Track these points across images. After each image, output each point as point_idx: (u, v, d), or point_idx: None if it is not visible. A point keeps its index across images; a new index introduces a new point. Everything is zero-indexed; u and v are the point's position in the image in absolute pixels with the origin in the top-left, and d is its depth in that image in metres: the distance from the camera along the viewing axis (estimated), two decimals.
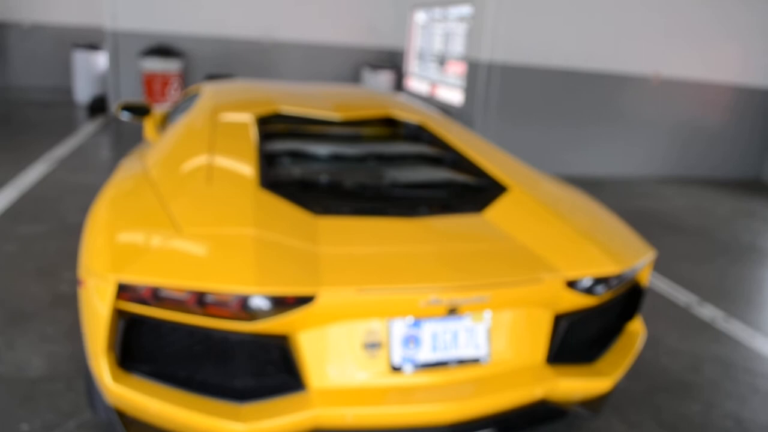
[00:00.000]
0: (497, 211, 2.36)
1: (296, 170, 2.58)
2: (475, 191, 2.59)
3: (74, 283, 3.72)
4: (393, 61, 10.73)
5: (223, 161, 2.41)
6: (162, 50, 9.38)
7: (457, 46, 10.12)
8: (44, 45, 12.14)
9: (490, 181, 2.63)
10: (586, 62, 7.67)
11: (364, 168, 2.75)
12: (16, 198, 5.31)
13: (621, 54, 7.79)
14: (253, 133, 2.68)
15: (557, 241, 2.17)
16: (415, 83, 10.08)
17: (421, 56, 10.35)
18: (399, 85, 10.55)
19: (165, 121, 4.03)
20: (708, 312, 4.16)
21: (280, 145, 2.80)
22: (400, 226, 2.13)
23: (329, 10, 10.29)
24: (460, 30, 8.41)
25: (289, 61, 10.30)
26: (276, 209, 2.09)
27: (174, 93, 9.42)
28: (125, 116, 4.29)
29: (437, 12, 9.38)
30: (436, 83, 9.26)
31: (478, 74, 7.49)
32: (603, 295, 2.13)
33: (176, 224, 1.92)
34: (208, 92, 3.33)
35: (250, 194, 2.14)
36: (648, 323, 3.91)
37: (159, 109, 4.58)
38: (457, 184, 2.62)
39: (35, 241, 4.40)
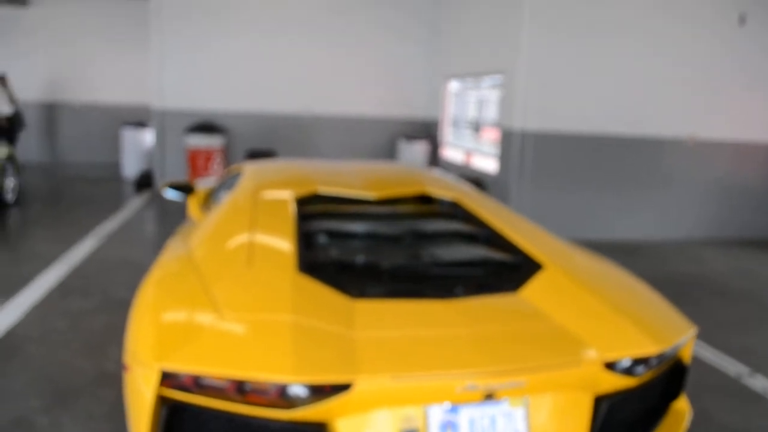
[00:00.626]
0: (533, 290, 2.36)
1: (334, 251, 2.64)
2: (510, 269, 2.60)
3: (119, 360, 3.81)
4: (428, 131, 10.95)
5: (264, 243, 2.50)
6: (205, 127, 9.78)
7: (491, 113, 10.28)
8: (94, 123, 12.80)
9: (525, 258, 2.64)
10: (619, 127, 7.72)
11: (400, 247, 2.80)
12: (66, 273, 5.51)
13: (654, 117, 7.82)
14: (292, 214, 2.77)
15: (594, 320, 2.16)
16: (450, 152, 10.24)
17: (456, 123, 10.54)
18: (434, 154, 10.72)
19: (207, 199, 4.18)
20: (760, 383, 4.02)
21: (317, 226, 2.87)
22: (436, 309, 2.15)
23: (365, 84, 10.64)
24: (493, 96, 8.59)
25: (328, 135, 10.61)
26: (313, 293, 2.15)
27: (216, 167, 9.74)
28: (170, 195, 4.47)
29: (470, 80, 9.61)
30: (471, 152, 9.39)
31: (511, 142, 7.60)
32: (644, 375, 2.09)
33: (218, 310, 2.00)
34: (249, 173, 3.47)
35: (288, 278, 2.21)
36: (695, 397, 3.79)
37: (201, 187, 4.76)
38: (492, 262, 2.63)
39: (83, 317, 4.53)
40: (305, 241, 2.66)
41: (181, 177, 9.90)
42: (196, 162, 9.67)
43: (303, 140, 10.49)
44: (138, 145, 11.09)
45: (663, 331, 2.19)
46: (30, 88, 12.36)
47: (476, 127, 10.50)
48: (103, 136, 12.73)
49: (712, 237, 8.28)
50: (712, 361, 4.33)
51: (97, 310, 4.69)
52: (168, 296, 2.21)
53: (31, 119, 12.23)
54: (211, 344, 1.83)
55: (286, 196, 3.00)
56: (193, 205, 4.38)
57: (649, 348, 2.05)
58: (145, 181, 10.24)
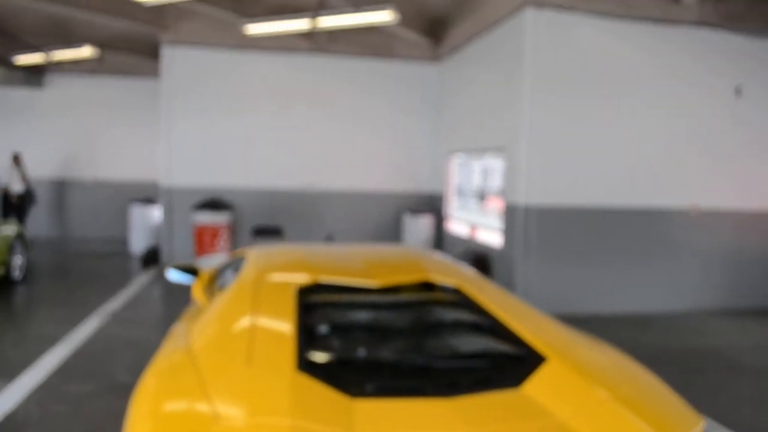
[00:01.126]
0: (536, 385, 2.33)
1: (334, 344, 2.63)
2: (513, 362, 2.57)
3: None
4: (432, 205, 11.05)
5: (264, 337, 2.50)
6: (212, 204, 9.91)
7: (496, 182, 10.37)
8: (103, 199, 13.04)
9: (528, 349, 2.62)
10: (623, 199, 7.77)
11: (402, 338, 2.79)
12: (68, 355, 5.47)
13: (657, 188, 7.89)
14: (293, 306, 2.78)
15: (600, 417, 2.13)
16: (455, 226, 10.29)
17: (461, 193, 10.64)
18: (439, 228, 10.78)
19: (212, 283, 4.19)
20: None
21: (319, 317, 2.87)
22: (437, 408, 2.13)
23: (370, 159, 10.83)
24: (497, 165, 8.70)
25: (333, 210, 10.72)
26: (312, 393, 2.13)
27: (223, 244, 9.80)
28: (175, 278, 4.48)
29: (473, 153, 9.76)
30: (476, 226, 9.44)
31: (515, 216, 7.64)
32: None
33: (215, 412, 1.98)
34: (252, 260, 3.50)
35: (287, 377, 2.20)
36: None
37: (206, 269, 4.77)
38: (495, 354, 2.61)
39: (84, 402, 4.47)
40: (306, 333, 2.64)
41: (188, 252, 9.96)
42: (203, 238, 9.74)
43: (309, 215, 10.59)
44: (145, 221, 11.22)
45: (671, 426, 2.16)
46: (43, 165, 12.66)
47: (481, 195, 10.60)
48: (112, 212, 12.94)
49: (721, 307, 8.18)
50: None
51: (98, 395, 4.63)
52: (165, 395, 2.20)
53: (42, 196, 12.46)
54: None
55: (288, 286, 3.01)
56: (197, 289, 4.40)
57: None
58: (152, 257, 10.30)
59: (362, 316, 2.96)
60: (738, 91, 8.05)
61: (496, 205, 8.79)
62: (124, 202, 12.21)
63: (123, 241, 11.87)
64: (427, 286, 3.41)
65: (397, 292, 3.27)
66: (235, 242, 10.18)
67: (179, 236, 10.19)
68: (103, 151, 13.02)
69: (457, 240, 9.89)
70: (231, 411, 2.00)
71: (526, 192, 7.53)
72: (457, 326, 2.94)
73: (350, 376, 2.31)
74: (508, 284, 7.59)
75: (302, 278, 3.12)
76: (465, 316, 3.00)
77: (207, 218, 9.74)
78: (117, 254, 11.24)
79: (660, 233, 7.94)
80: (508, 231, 7.90)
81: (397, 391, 2.24)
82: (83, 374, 5.03)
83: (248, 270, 3.30)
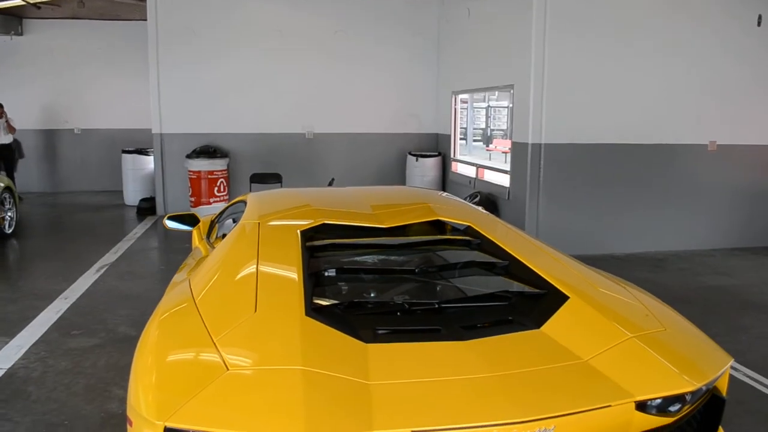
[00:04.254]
0: (557, 325, 2.17)
1: (344, 288, 2.47)
2: (532, 302, 2.39)
3: (122, 402, 3.55)
4: (438, 146, 10.73)
5: (270, 283, 2.33)
6: (207, 150, 9.55)
7: (501, 123, 10.07)
8: (94, 150, 12.60)
9: (548, 288, 2.42)
10: (637, 136, 7.47)
11: (413, 281, 2.63)
12: (67, 309, 5.25)
13: (673, 124, 7.57)
14: (299, 249, 2.57)
15: (624, 357, 2.01)
16: (461, 168, 9.99)
17: (466, 136, 10.32)
18: (444, 170, 10.48)
19: (212, 231, 3.98)
20: None
21: (325, 260, 2.67)
22: (454, 352, 1.99)
23: (370, 102, 10.43)
24: (503, 106, 8.36)
25: (334, 152, 10.37)
26: (324, 339, 2.01)
27: (220, 192, 9.50)
28: (173, 227, 4.25)
29: (479, 93, 9.41)
30: (483, 167, 9.14)
31: (524, 157, 7.35)
32: (678, 413, 1.93)
33: (223, 361, 1.86)
34: (253, 204, 3.28)
35: (296, 323, 2.06)
36: (732, 420, 3.50)
37: (205, 217, 4.55)
38: (512, 295, 2.43)
39: (85, 356, 4.28)
40: (313, 278, 2.45)
41: (184, 202, 9.66)
42: (199, 187, 9.44)
43: (310, 160, 10.26)
44: (140, 171, 10.88)
45: (698, 365, 2.05)
46: (27, 116, 12.16)
47: (487, 139, 10.29)
48: (104, 162, 12.49)
49: (739, 246, 7.96)
50: (749, 382, 4.05)
51: (99, 348, 4.43)
52: (171, 345, 2.08)
53: (29, 148, 12.03)
54: (217, 400, 1.70)
55: (292, 229, 2.78)
56: (198, 237, 4.21)
57: (684, 385, 1.91)
58: (147, 208, 10.03)
59: (371, 258, 2.80)
60: (759, 20, 7.66)
61: (502, 146, 8.52)
62: (117, 151, 11.78)
63: (117, 193, 11.53)
64: (437, 227, 3.16)
65: (406, 233, 3.05)
66: (232, 190, 9.88)
67: (174, 185, 9.87)
68: (91, 99, 12.49)
69: (463, 182, 9.60)
70: (239, 359, 1.90)
71: (535, 129, 7.21)
72: (471, 267, 2.74)
73: (361, 321, 2.17)
74: (518, 226, 7.35)
75: (306, 221, 2.89)
76: (478, 256, 2.80)
77: (202, 166, 9.40)
78: (111, 206, 10.94)
79: (676, 170, 7.67)
80: (517, 172, 7.62)
81: (412, 335, 2.12)
82: (83, 329, 4.82)
83: (249, 215, 3.08)
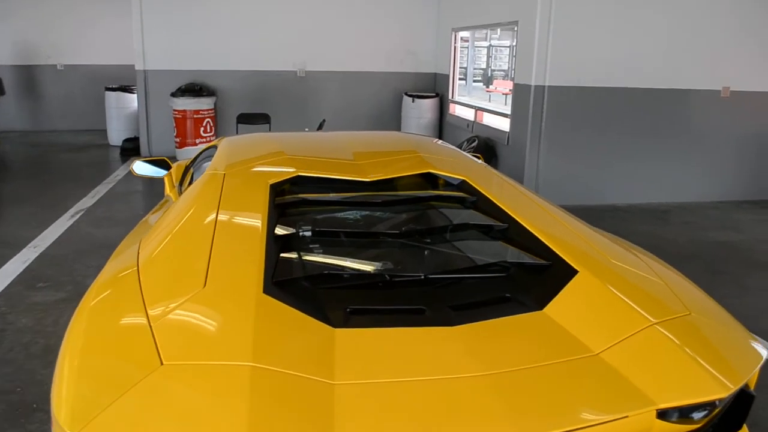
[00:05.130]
0: (563, 306, 1.79)
1: (314, 257, 2.08)
2: (534, 275, 2.01)
3: None
4: (435, 86, 10.23)
5: (226, 250, 1.94)
6: (193, 88, 9.07)
7: (503, 63, 9.57)
8: (77, 87, 12.02)
9: (552, 258, 2.04)
10: (645, 79, 7.01)
11: (398, 247, 2.25)
12: (35, 259, 4.94)
13: (684, 69, 7.10)
14: (265, 209, 2.19)
15: (644, 351, 1.64)
16: (459, 110, 9.53)
17: (466, 76, 9.82)
18: (442, 112, 10.01)
19: (186, 176, 3.62)
20: None
21: (295, 221, 2.30)
22: (440, 341, 1.62)
23: (366, 37, 9.87)
24: (506, 43, 7.86)
25: (327, 92, 9.88)
26: (283, 323, 1.64)
27: (207, 132, 9.07)
28: (143, 172, 3.90)
29: (480, 31, 8.86)
30: (482, 110, 8.68)
31: (526, 99, 6.91)
32: (703, 419, 1.60)
33: (158, 352, 1.51)
34: (222, 151, 2.88)
35: (252, 303, 1.68)
36: None
37: (180, 162, 4.20)
38: (511, 266, 2.06)
39: (48, 312, 3.99)
40: (280, 242, 2.08)
41: (170, 142, 9.23)
42: (185, 127, 9.00)
43: (301, 100, 9.78)
44: (123, 110, 10.41)
45: (731, 362, 1.69)
46: (7, 51, 11.58)
47: (488, 80, 9.81)
48: (88, 100, 11.91)
49: (747, 199, 7.61)
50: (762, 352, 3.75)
51: (64, 304, 4.13)
52: (98, 333, 1.71)
53: (10, 86, 11.48)
54: (143, 406, 1.38)
55: (260, 182, 2.40)
56: (169, 185, 3.86)
57: (716, 390, 1.55)
58: (131, 148, 9.62)
59: (350, 218, 2.43)
60: None
61: (502, 87, 8.06)
62: (102, 89, 11.28)
63: (102, 132, 11.07)
64: (429, 180, 2.79)
65: (392, 188, 2.66)
66: (220, 131, 9.45)
67: (159, 125, 9.42)
68: (75, 33, 11.84)
69: (461, 126, 9.16)
70: (177, 350, 1.53)
71: (539, 70, 6.75)
72: (465, 230, 2.36)
73: (332, 297, 1.80)
74: (518, 173, 7.00)
75: (278, 172, 2.50)
76: (474, 217, 2.41)
77: (188, 104, 8.94)
78: (94, 146, 10.51)
79: (685, 117, 7.24)
80: (518, 115, 7.19)
81: (390, 316, 1.75)
82: (50, 281, 4.52)
83: (216, 164, 2.70)
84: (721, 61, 7.21)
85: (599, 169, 7.13)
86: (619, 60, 6.91)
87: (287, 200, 2.38)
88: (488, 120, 8.33)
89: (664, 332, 1.68)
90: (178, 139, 9.07)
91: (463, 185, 2.59)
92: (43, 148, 10.35)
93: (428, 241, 2.31)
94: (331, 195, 2.54)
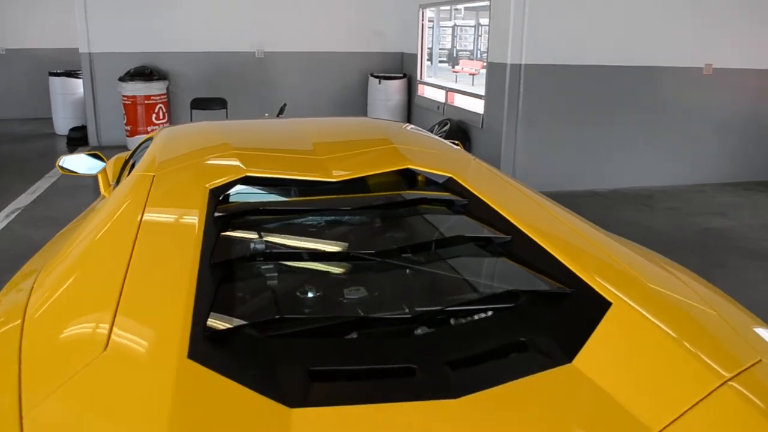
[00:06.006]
0: (600, 356, 1.29)
1: (263, 291, 1.58)
2: (553, 305, 1.51)
3: None
4: (403, 67, 9.72)
5: (142, 292, 1.41)
6: (143, 72, 8.41)
7: (468, 43, 9.14)
8: (21, 73, 11.18)
9: (574, 282, 1.53)
10: (625, 56, 6.62)
11: (374, 273, 1.73)
12: None
13: (666, 45, 6.73)
14: (201, 224, 1.67)
15: (724, 427, 1.15)
16: (429, 91, 9.05)
17: (431, 57, 9.33)
18: (410, 94, 9.51)
19: (122, 175, 3.08)
20: None
21: (242, 239, 1.78)
22: (441, 423, 1.12)
23: (329, 15, 9.29)
24: (471, 22, 7.39)
25: (288, 74, 9.30)
26: (214, 405, 1.11)
27: (159, 119, 8.44)
28: (73, 168, 3.38)
29: (447, 9, 8.36)
30: (453, 91, 8.22)
31: (502, 79, 6.46)
32: None
33: None
34: (154, 148, 2.35)
35: (170, 377, 1.15)
36: None
37: (118, 155, 3.68)
38: (522, 295, 1.56)
39: None
40: (218, 273, 1.56)
41: (120, 131, 8.57)
42: (135, 114, 8.35)
43: (260, 82, 9.18)
44: (69, 96, 9.68)
45: None
46: None
47: (453, 60, 9.37)
48: (35, 86, 11.08)
49: (730, 181, 7.30)
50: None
51: None
52: None
53: None
54: None
55: (199, 186, 1.88)
56: (104, 184, 3.33)
57: None
58: (78, 138, 8.94)
59: (312, 231, 1.88)
60: None
61: (469, 67, 7.63)
62: (47, 74, 10.50)
63: (48, 121, 10.31)
64: (406, 178, 2.29)
65: (363, 189, 2.14)
66: (174, 117, 8.82)
67: (108, 113, 8.74)
68: (15, 14, 10.99)
69: (431, 108, 8.68)
70: None
71: (515, 49, 6.30)
72: (457, 244, 1.84)
73: (288, 355, 1.28)
74: (493, 158, 6.57)
75: (222, 171, 1.99)
76: (467, 226, 1.89)
77: (137, 89, 8.27)
78: (39, 136, 9.77)
79: (666, 96, 6.88)
80: (493, 96, 6.75)
81: (369, 383, 1.24)
82: None
83: (146, 163, 2.18)
84: (704, 38, 6.86)
85: (578, 153, 6.75)
86: (599, 36, 6.50)
87: (231, 210, 1.88)
88: (460, 102, 7.88)
89: (744, 390, 1.20)
90: (128, 128, 8.42)
91: (449, 184, 2.10)
92: None
93: (412, 261, 1.79)
94: (289, 200, 2.05)
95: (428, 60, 9.46)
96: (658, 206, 6.31)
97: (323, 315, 1.50)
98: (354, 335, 1.42)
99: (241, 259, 1.65)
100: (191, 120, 7.94)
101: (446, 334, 1.44)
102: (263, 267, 1.69)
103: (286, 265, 1.73)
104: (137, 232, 1.62)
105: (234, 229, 1.80)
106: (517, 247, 1.73)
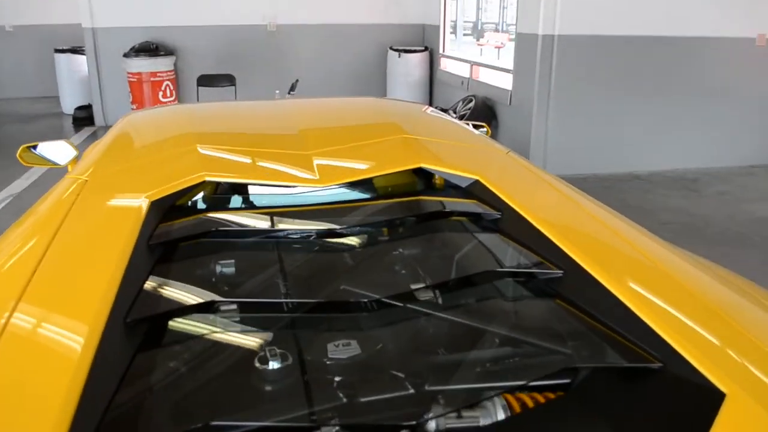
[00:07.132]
0: None
1: (203, 375, 1.06)
2: (630, 389, 1.00)
3: None
4: (424, 39, 9.14)
5: (23, 359, 0.90)
6: (148, 48, 7.97)
7: (493, 15, 8.62)
8: (28, 50, 10.83)
9: (663, 348, 0.98)
10: (672, 26, 6.00)
11: (378, 329, 1.16)
12: None
13: (716, 10, 6.08)
14: (125, 254, 1.16)
15: None
16: (452, 65, 8.46)
17: (455, 30, 8.75)
18: (432, 68, 8.94)
19: None
20: None
21: (186, 276, 1.25)
22: None
23: None
24: None
25: (301, 48, 8.78)
26: None
27: (167, 97, 8.01)
28: (34, 159, 2.93)
29: None
30: (479, 65, 7.63)
31: (533, 51, 5.89)
32: None
33: None
34: (103, 142, 1.90)
35: None
36: None
37: (98, 142, 3.22)
38: (585, 372, 1.04)
39: None
40: (136, 338, 1.04)
41: (127, 109, 8.14)
42: (141, 91, 7.94)
43: (272, 57, 8.67)
44: (75, 74, 9.28)
45: None
46: None
47: (478, 33, 8.83)
48: (43, 64, 10.68)
49: None
50: None
51: None
52: None
53: None
54: None
55: (136, 195, 1.41)
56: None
57: None
58: (84, 117, 8.56)
59: (290, 266, 1.30)
60: None
61: (494, 40, 7.09)
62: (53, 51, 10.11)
63: (56, 99, 9.95)
64: (421, 177, 1.78)
65: (360, 196, 1.63)
66: (182, 95, 8.38)
67: (114, 90, 8.33)
68: None
69: (455, 83, 8.11)
70: None
71: (547, 18, 5.73)
72: (488, 281, 1.29)
73: None
74: (522, 138, 6.03)
75: (173, 174, 1.50)
76: (501, 250, 1.36)
77: (143, 66, 7.85)
78: (46, 115, 9.41)
79: (713, 69, 6.25)
80: (522, 71, 6.19)
81: None
82: None
83: (82, 162, 1.74)
84: (757, 4, 6.19)
85: (616, 132, 6.17)
86: (639, 4, 5.88)
87: (174, 234, 1.36)
88: (486, 76, 7.31)
89: None
90: (134, 106, 8.00)
91: (475, 189, 1.59)
92: None
93: (422, 308, 1.20)
94: (259, 217, 1.53)
95: (452, 33, 8.87)
96: (705, 191, 5.72)
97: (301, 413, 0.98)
98: None
99: (171, 315, 1.11)
100: (197, 98, 7.49)
101: None
102: (205, 326, 1.12)
103: (251, 322, 1.20)
104: (36, 268, 1.13)
105: (176, 259, 1.29)
106: (572, 286, 1.20)
